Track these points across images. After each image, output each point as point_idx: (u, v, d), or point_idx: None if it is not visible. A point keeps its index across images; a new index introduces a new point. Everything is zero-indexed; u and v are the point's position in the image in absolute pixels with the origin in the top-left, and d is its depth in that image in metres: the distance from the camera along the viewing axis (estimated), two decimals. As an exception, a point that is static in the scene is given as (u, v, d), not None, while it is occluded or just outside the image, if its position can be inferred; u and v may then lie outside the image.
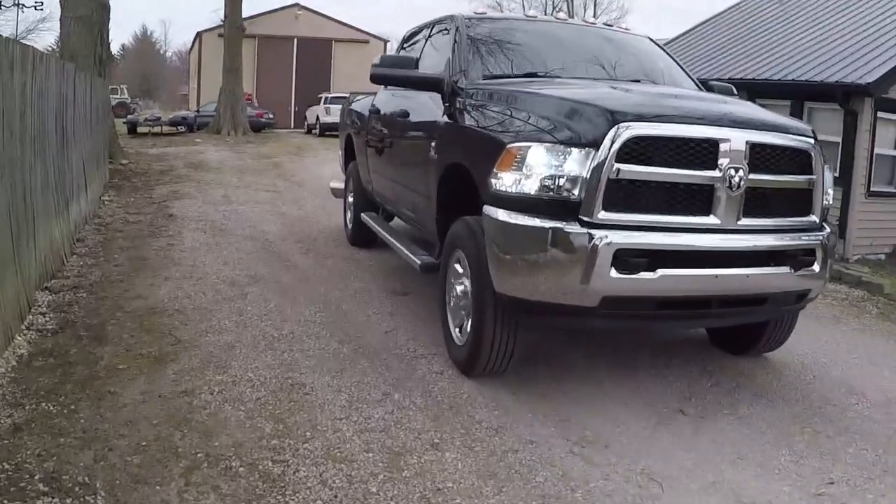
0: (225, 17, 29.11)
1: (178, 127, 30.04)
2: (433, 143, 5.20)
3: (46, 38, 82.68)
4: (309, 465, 3.39)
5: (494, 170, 4.05)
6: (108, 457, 3.37)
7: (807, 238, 4.25)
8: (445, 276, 4.84)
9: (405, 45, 7.27)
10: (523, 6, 46.77)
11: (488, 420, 3.96)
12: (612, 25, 6.79)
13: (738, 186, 3.92)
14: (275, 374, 4.42)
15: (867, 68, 9.93)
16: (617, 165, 3.74)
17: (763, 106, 5.23)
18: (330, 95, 30.45)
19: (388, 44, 39.74)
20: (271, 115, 32.33)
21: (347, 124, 8.48)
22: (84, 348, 4.75)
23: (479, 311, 4.29)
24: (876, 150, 10.09)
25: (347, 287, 6.49)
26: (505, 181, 3.99)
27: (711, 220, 3.95)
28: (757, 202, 4.05)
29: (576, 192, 3.78)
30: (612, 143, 3.74)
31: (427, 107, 5.54)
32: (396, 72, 5.58)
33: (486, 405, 4.15)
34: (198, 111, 32.32)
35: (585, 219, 3.77)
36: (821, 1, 13.41)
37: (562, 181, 3.80)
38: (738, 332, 5.10)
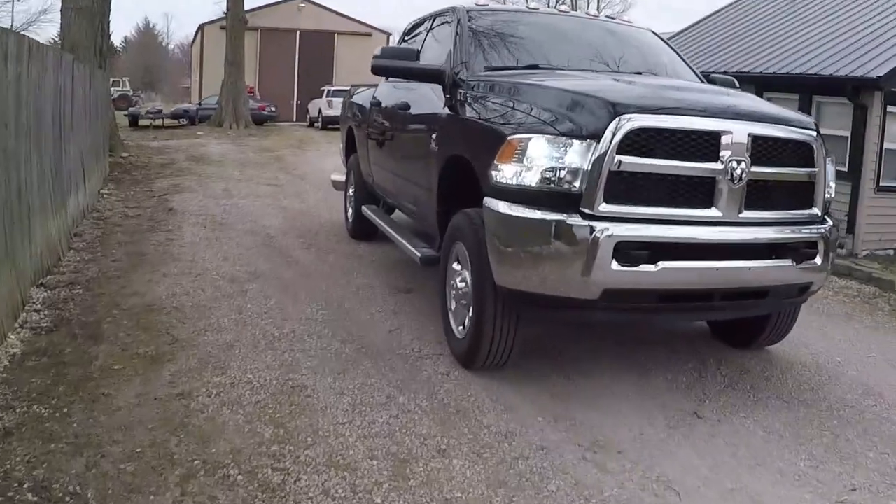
0: (227, 9, 29.00)
1: (180, 120, 30.01)
2: (434, 135, 5.17)
3: (49, 31, 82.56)
4: (311, 474, 3.24)
5: (495, 162, 4.03)
6: (101, 464, 3.24)
7: (809, 231, 4.23)
8: (446, 268, 4.81)
9: (407, 38, 7.26)
10: (526, -2, 46.50)
11: (497, 424, 3.82)
12: (614, 18, 6.75)
13: (740, 179, 3.90)
14: (275, 376, 4.28)
15: (877, 62, 9.83)
16: (618, 157, 3.71)
17: (771, 100, 5.19)
18: (332, 88, 30.35)
19: (391, 37, 39.59)
20: (273, 108, 32.22)
21: (348, 117, 8.46)
22: (79, 347, 4.62)
23: (479, 304, 4.26)
24: (885, 145, 10.01)
25: (350, 284, 6.36)
26: (506, 173, 3.96)
27: (713, 212, 3.92)
28: (759, 195, 4.03)
29: (577, 184, 3.76)
30: (614, 135, 3.71)
31: (428, 99, 5.51)
32: (398, 63, 5.52)
33: (493, 408, 4.01)
34: (200, 104, 32.27)
35: (586, 211, 3.75)
36: (829, -7, 13.25)
37: (563, 173, 3.78)
38: (740, 325, 5.08)
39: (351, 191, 8.31)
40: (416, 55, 5.63)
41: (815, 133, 4.25)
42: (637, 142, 3.75)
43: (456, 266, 4.67)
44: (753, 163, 3.93)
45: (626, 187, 3.77)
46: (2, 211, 4.62)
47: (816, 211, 4.29)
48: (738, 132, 3.90)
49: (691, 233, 3.87)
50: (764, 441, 3.87)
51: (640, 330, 5.46)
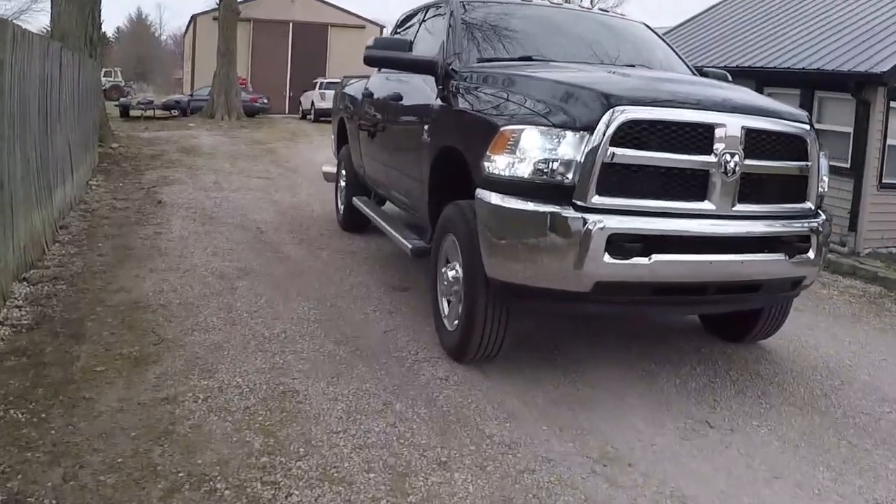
0: (220, 0, 28.65)
1: (172, 111, 29.63)
2: (426, 127, 5.14)
3: (41, 20, 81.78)
4: (303, 488, 3.03)
5: (488, 153, 4.00)
6: (80, 475, 3.03)
7: (801, 225, 4.21)
8: (437, 260, 4.77)
9: (399, 29, 7.22)
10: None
11: (500, 434, 3.62)
12: (607, 11, 6.69)
13: (734, 172, 3.88)
14: (265, 380, 4.07)
15: (880, 57, 9.65)
16: (611, 149, 3.69)
17: (771, 95, 5.09)
18: (325, 81, 29.99)
19: (385, 29, 39.28)
20: (266, 100, 31.87)
21: (340, 108, 8.38)
22: (60, 347, 4.40)
23: (470, 296, 4.22)
24: (889, 142, 9.83)
25: (343, 281, 6.15)
26: (498, 164, 3.94)
27: (706, 205, 3.90)
28: (752, 188, 4.01)
29: (570, 176, 3.74)
30: (607, 126, 3.69)
31: (420, 90, 5.47)
32: (390, 54, 5.45)
33: (495, 416, 3.81)
34: (191, 95, 31.88)
35: (579, 203, 3.73)
36: (831, -13, 13.06)
37: (556, 165, 3.76)
38: (733, 319, 5.06)
39: (342, 182, 8.21)
40: (409, 46, 5.60)
41: (808, 127, 4.24)
42: (630, 134, 3.73)
43: (447, 258, 4.62)
44: (747, 156, 3.91)
45: (620, 180, 3.75)
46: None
47: (809, 205, 4.28)
48: (731, 125, 3.88)
49: (684, 226, 3.84)
50: (780, 451, 3.69)
51: (642, 330, 5.30)
